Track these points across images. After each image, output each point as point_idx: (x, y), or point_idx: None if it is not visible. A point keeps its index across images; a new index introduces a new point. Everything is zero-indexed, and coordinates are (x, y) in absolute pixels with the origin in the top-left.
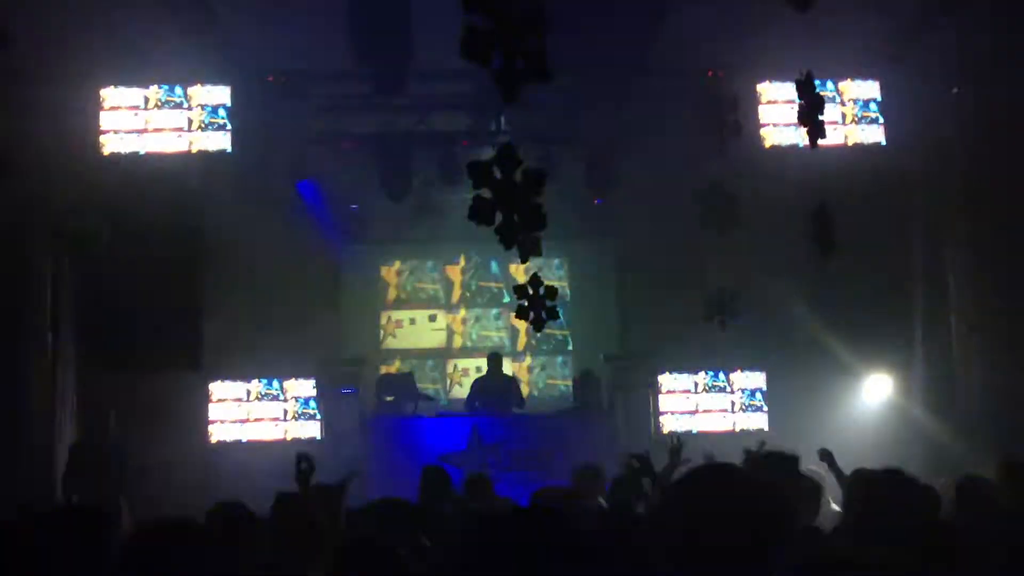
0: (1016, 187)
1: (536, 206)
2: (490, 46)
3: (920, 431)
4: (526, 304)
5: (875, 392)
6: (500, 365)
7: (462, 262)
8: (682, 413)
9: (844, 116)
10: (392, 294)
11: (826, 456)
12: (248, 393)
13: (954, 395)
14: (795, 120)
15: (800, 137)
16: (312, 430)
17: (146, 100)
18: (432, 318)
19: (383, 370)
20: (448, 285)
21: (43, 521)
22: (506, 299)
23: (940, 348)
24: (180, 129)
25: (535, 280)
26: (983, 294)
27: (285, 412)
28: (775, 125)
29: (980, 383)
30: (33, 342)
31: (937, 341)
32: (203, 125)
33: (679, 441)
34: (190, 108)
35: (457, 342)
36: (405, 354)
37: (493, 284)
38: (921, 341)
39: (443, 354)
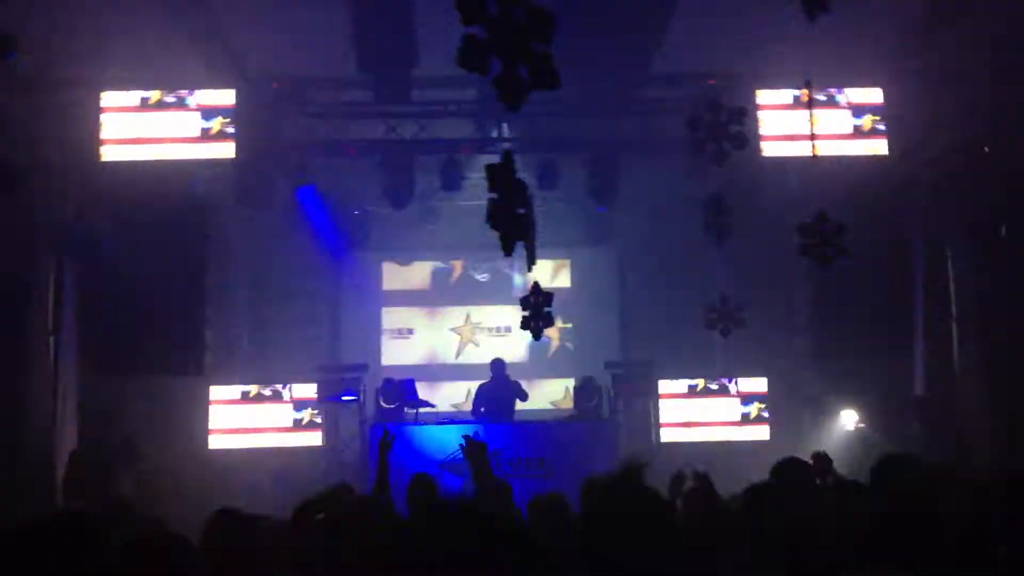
0: (1019, 195)
1: (523, 215)
2: (487, 56)
3: (920, 437)
4: (528, 314)
5: (847, 424)
6: (503, 371)
7: (457, 269)
8: (681, 425)
9: (846, 124)
10: (395, 299)
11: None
12: (249, 398)
13: (955, 400)
14: (796, 128)
15: (801, 147)
16: (313, 436)
17: (149, 105)
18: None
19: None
20: (452, 290)
21: (42, 527)
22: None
23: (941, 356)
24: (183, 135)
25: (537, 289)
26: (985, 303)
27: (286, 417)
28: (775, 135)
29: (981, 390)
30: (35, 346)
31: (938, 349)
32: (206, 130)
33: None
34: (194, 113)
35: (466, 350)
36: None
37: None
38: (922, 349)
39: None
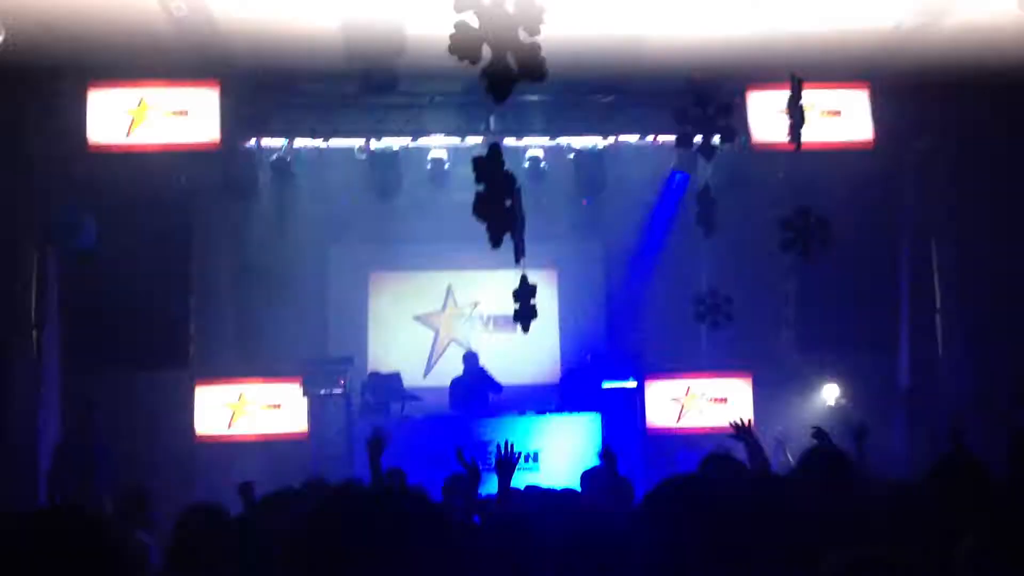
0: (1001, 189)
1: (510, 208)
2: (478, 44)
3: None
4: (519, 306)
5: (828, 398)
6: (476, 364)
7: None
8: (668, 416)
9: (832, 119)
10: (383, 294)
11: (820, 435)
12: (234, 391)
13: (938, 394)
14: (784, 125)
15: (788, 141)
16: (298, 429)
17: (135, 96)
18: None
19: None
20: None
21: (25, 522)
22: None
23: (925, 348)
24: (169, 126)
25: (525, 283)
26: (969, 294)
27: (270, 411)
28: (763, 128)
29: (965, 382)
30: (17, 340)
31: (922, 341)
32: (192, 122)
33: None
34: (179, 104)
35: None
36: None
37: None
38: (906, 340)
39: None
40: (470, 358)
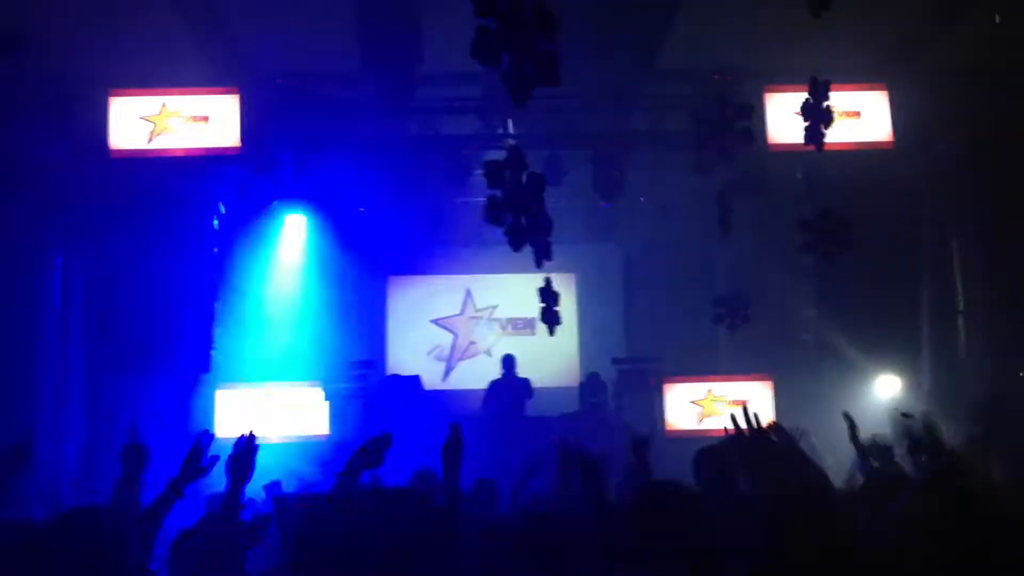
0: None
1: (540, 209)
2: (500, 48)
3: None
4: (544, 308)
5: (884, 392)
6: (514, 368)
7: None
8: (688, 418)
9: (852, 120)
10: (401, 298)
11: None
12: (256, 395)
13: (962, 395)
14: (803, 125)
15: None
16: (319, 431)
17: (155, 102)
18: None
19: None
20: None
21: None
22: None
23: (948, 349)
24: (189, 131)
25: (549, 286)
26: (990, 295)
27: (292, 414)
28: (783, 130)
29: (988, 382)
30: (42, 345)
31: (945, 343)
32: (213, 127)
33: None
34: (200, 110)
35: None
36: None
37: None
38: (928, 342)
39: None
40: (508, 361)
